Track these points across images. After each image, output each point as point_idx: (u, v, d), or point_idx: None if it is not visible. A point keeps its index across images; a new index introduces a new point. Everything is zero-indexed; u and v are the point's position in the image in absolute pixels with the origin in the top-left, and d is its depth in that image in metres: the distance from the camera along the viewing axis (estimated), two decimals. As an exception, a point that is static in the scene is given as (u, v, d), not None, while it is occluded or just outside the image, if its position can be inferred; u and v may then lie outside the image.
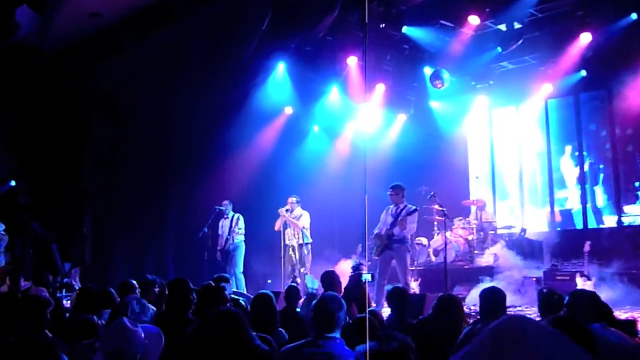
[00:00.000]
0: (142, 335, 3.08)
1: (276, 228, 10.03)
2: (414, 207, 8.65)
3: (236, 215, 10.52)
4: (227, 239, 10.50)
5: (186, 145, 12.07)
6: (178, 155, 12.06)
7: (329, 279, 5.96)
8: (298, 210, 10.11)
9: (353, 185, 11.60)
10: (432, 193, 9.72)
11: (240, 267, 10.29)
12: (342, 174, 13.55)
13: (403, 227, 8.43)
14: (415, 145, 13.39)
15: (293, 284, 7.24)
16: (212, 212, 10.64)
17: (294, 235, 9.91)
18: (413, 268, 10.58)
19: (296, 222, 10.00)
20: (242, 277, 10.22)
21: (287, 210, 9.89)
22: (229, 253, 10.45)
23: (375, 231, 8.71)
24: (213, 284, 5.13)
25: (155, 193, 11.69)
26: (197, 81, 11.07)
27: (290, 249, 9.96)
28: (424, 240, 12.10)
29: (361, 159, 12.25)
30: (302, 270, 9.82)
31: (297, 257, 9.94)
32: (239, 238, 10.53)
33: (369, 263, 10.44)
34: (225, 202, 10.61)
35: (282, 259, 9.67)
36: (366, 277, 6.11)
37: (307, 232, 10.03)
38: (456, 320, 4.40)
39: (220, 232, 10.61)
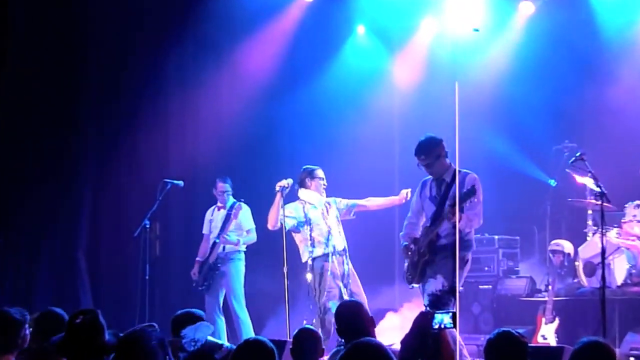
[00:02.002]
0: None
1: (271, 224, 10.09)
2: (473, 175, 8.39)
3: (237, 204, 11.11)
4: (214, 244, 11.06)
5: (112, 73, 12.57)
6: (98, 92, 12.54)
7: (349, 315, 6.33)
8: (313, 195, 10.19)
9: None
10: (578, 154, 9.61)
11: (240, 298, 10.96)
12: (408, 118, 13.35)
13: (451, 218, 8.11)
14: (551, 62, 13.05)
15: (308, 326, 7.41)
16: (160, 190, 11.04)
17: (318, 241, 9.98)
18: (545, 298, 10.83)
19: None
20: (245, 317, 10.89)
21: (281, 189, 9.89)
22: (213, 271, 11.03)
23: (403, 233, 8.85)
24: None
25: (58, 160, 12.13)
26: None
27: (309, 267, 9.96)
28: (567, 246, 11.78)
29: (447, 90, 11.16)
30: (323, 301, 9.82)
31: (320, 278, 9.83)
32: (238, 247, 11.09)
33: (462, 288, 10.29)
34: (221, 183, 11.18)
35: (285, 281, 9.61)
36: (441, 319, 6.04)
37: (342, 233, 10.12)
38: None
39: (207, 230, 11.30)
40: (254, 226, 10.98)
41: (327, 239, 9.89)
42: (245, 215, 10.99)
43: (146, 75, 12.64)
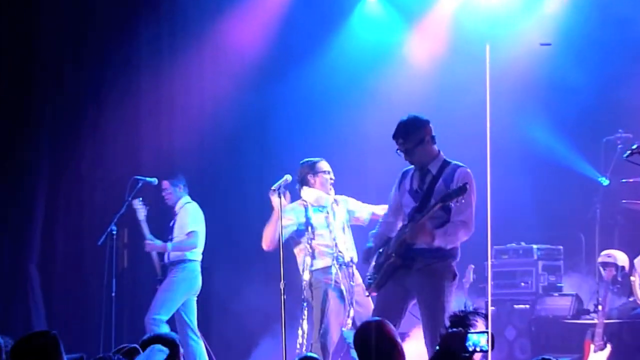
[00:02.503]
0: None
1: (267, 244, 9.95)
2: (466, 169, 8.40)
3: (187, 205, 11.36)
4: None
5: (70, 45, 12.70)
6: (54, 68, 12.65)
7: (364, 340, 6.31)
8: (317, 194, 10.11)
9: (454, 132, 11.16)
10: (635, 146, 9.25)
11: (162, 311, 10.94)
12: (429, 103, 12.69)
13: (437, 236, 8.24)
14: (599, 38, 12.80)
15: (311, 354, 7.40)
16: (129, 189, 11.14)
17: (319, 252, 9.93)
18: (594, 321, 10.68)
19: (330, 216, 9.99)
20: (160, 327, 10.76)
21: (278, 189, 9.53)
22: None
23: (374, 231, 8.91)
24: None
25: (4, 150, 12.24)
26: None
27: (308, 281, 9.91)
28: (620, 257, 11.35)
29: (475, 69, 10.47)
30: (325, 322, 9.80)
31: (323, 295, 9.81)
32: (183, 256, 11.15)
33: (494, 308, 10.90)
34: (164, 181, 11.34)
35: (282, 298, 9.15)
36: (477, 340, 6.09)
37: (349, 242, 10.08)
38: None
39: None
40: (196, 229, 11.02)
41: (332, 249, 9.82)
42: (189, 214, 11.06)
43: (112, 49, 12.73)
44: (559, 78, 12.87)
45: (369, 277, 8.55)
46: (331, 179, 9.99)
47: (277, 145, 12.83)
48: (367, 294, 8.69)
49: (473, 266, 11.65)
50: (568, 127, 12.37)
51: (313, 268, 9.77)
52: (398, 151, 8.37)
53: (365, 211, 10.15)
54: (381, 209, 9.88)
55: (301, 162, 10.03)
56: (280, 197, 9.39)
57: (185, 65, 12.83)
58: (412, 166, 8.46)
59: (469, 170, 8.26)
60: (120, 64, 12.74)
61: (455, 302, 11.29)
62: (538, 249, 11.82)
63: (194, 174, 11.73)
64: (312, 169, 9.92)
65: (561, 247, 12.06)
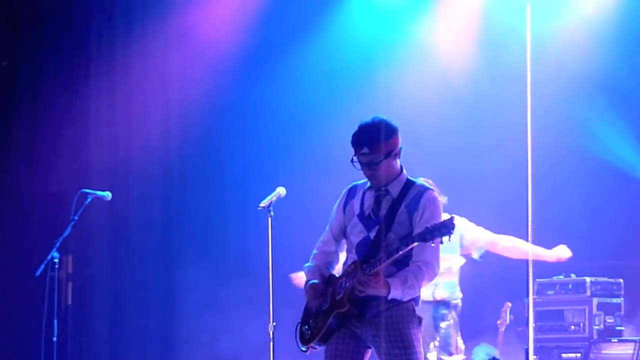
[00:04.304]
0: None
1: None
2: (432, 192, 7.95)
3: None
4: None
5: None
6: None
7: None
8: None
9: (487, 136, 12.15)
10: None
11: None
12: (453, 107, 13.33)
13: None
14: None
15: None
16: (76, 205, 11.07)
17: None
18: None
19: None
20: None
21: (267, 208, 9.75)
22: None
23: (309, 264, 8.42)
24: None
25: None
26: None
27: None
28: None
29: (515, 65, 11.24)
30: None
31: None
32: None
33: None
34: None
35: (271, 345, 9.40)
36: None
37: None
38: None
39: None
40: None
41: None
42: None
43: (57, 31, 13.12)
44: (621, 65, 12.88)
45: (305, 327, 7.97)
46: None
47: (260, 152, 13.18)
48: (304, 349, 7.94)
49: (510, 304, 11.84)
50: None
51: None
52: (354, 161, 7.86)
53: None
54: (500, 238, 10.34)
55: None
56: (269, 217, 9.48)
57: (145, 56, 13.09)
58: (364, 181, 7.91)
59: (436, 193, 7.76)
60: (63, 51, 12.84)
61: (484, 350, 11.24)
62: (592, 282, 11.76)
63: (157, 185, 11.88)
64: None
65: (621, 280, 11.95)
